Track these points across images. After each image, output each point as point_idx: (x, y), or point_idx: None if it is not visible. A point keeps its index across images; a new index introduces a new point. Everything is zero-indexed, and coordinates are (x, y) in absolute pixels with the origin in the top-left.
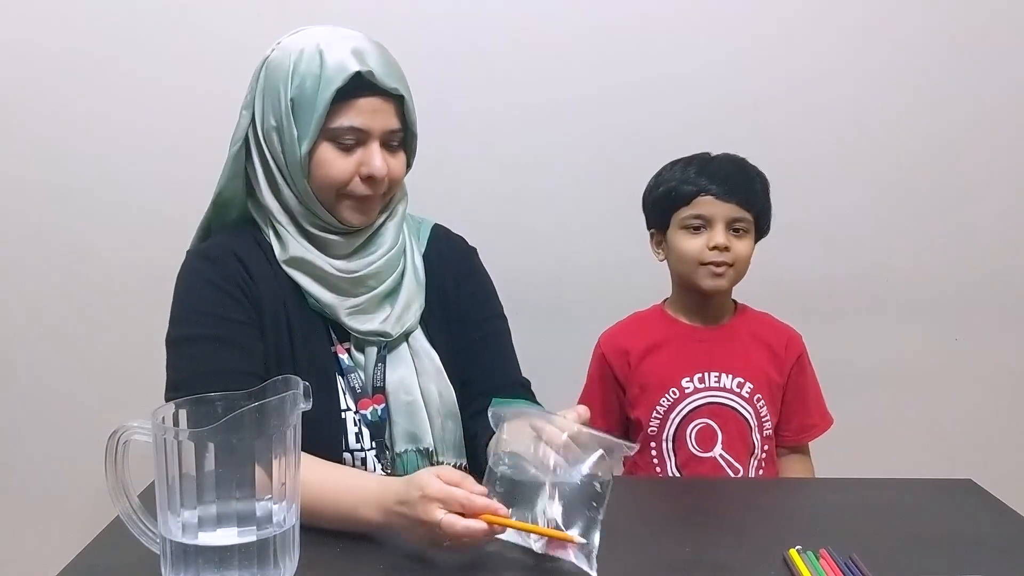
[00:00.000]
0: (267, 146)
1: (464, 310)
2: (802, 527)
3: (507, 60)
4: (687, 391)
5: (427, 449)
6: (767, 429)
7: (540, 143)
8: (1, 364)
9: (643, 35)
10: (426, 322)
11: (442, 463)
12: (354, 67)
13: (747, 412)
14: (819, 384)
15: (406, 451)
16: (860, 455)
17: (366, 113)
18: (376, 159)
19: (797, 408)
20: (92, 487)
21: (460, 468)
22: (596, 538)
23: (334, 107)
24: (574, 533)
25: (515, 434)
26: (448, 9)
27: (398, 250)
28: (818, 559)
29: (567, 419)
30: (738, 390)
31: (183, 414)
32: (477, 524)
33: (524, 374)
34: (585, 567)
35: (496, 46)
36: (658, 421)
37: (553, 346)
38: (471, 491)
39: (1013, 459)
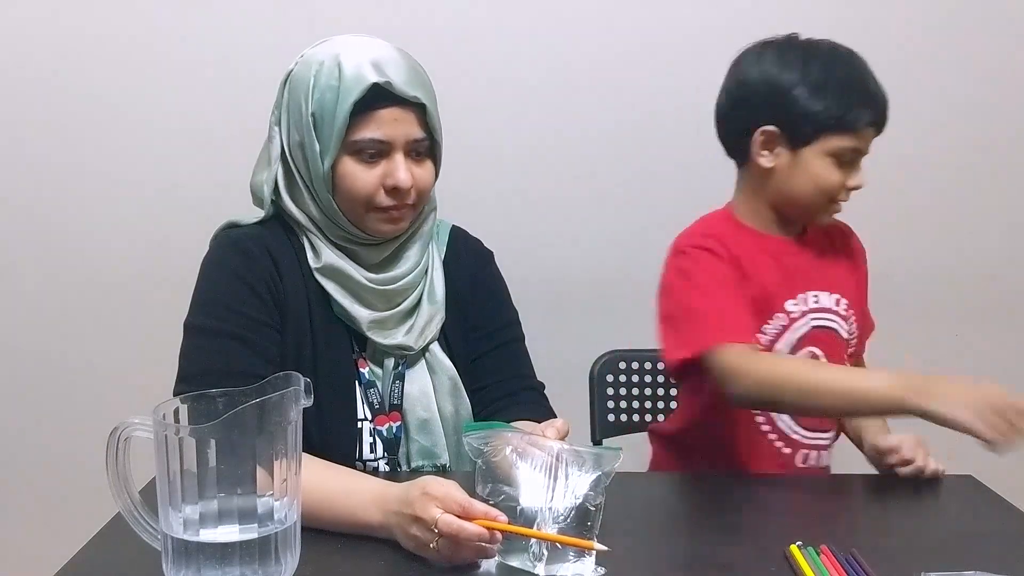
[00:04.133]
0: (293, 161)
1: (479, 318)
2: (803, 523)
3: (509, 61)
4: (793, 315)
5: (444, 466)
6: (852, 346)
7: (542, 143)
8: (1, 362)
9: (646, 36)
10: (445, 332)
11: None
12: (372, 78)
13: (845, 331)
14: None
15: (422, 467)
16: (860, 451)
17: (387, 124)
18: (400, 170)
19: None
20: (93, 484)
21: None
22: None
23: (354, 120)
24: (571, 555)
25: (499, 465)
26: (453, 10)
27: (421, 269)
28: (819, 555)
29: (548, 437)
30: (836, 307)
31: (184, 410)
32: (472, 526)
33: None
34: None
35: (499, 47)
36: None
37: (553, 347)
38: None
39: (1013, 455)
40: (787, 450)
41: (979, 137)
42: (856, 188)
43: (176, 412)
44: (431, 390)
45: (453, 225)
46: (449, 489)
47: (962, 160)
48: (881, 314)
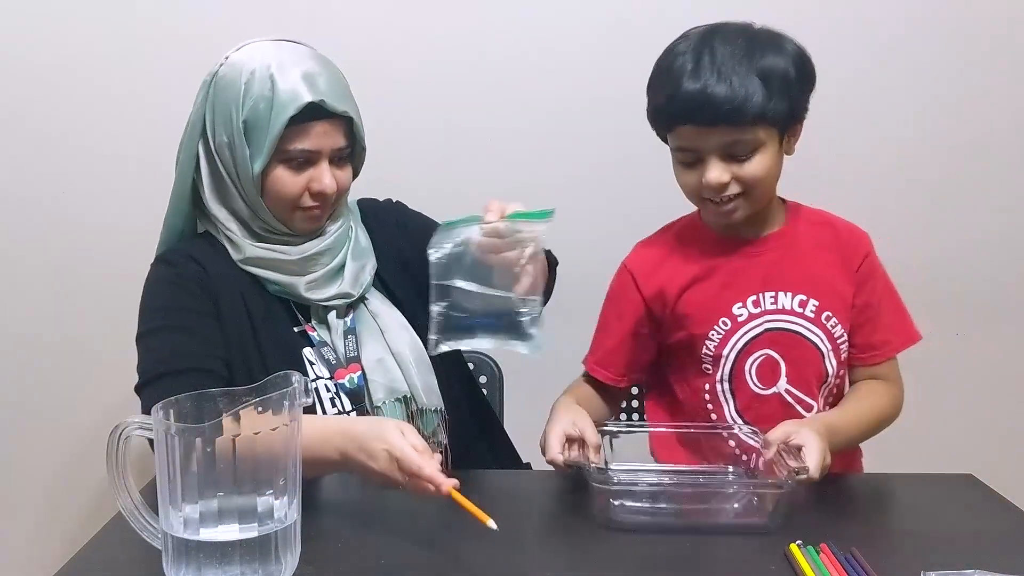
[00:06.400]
0: (219, 158)
1: (419, 249)
2: (803, 522)
3: (508, 59)
4: (740, 319)
5: (405, 396)
6: (844, 352)
7: (541, 141)
8: (1, 362)
9: (644, 31)
10: (385, 280)
11: (423, 410)
12: (306, 97)
13: (816, 336)
14: (896, 293)
15: (384, 403)
16: (861, 450)
17: (317, 136)
18: (326, 177)
19: (862, 321)
20: (93, 483)
21: (438, 412)
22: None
23: (287, 131)
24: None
25: (450, 261)
26: (449, 11)
27: (344, 230)
28: (819, 554)
29: (491, 214)
30: (800, 310)
31: (185, 410)
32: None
33: (526, 371)
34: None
35: (498, 47)
36: (709, 358)
37: (553, 346)
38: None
39: (1014, 454)
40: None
41: (980, 135)
42: (715, 186)
43: (177, 411)
44: (379, 332)
45: (358, 199)
46: (408, 453)
47: (963, 159)
48: None
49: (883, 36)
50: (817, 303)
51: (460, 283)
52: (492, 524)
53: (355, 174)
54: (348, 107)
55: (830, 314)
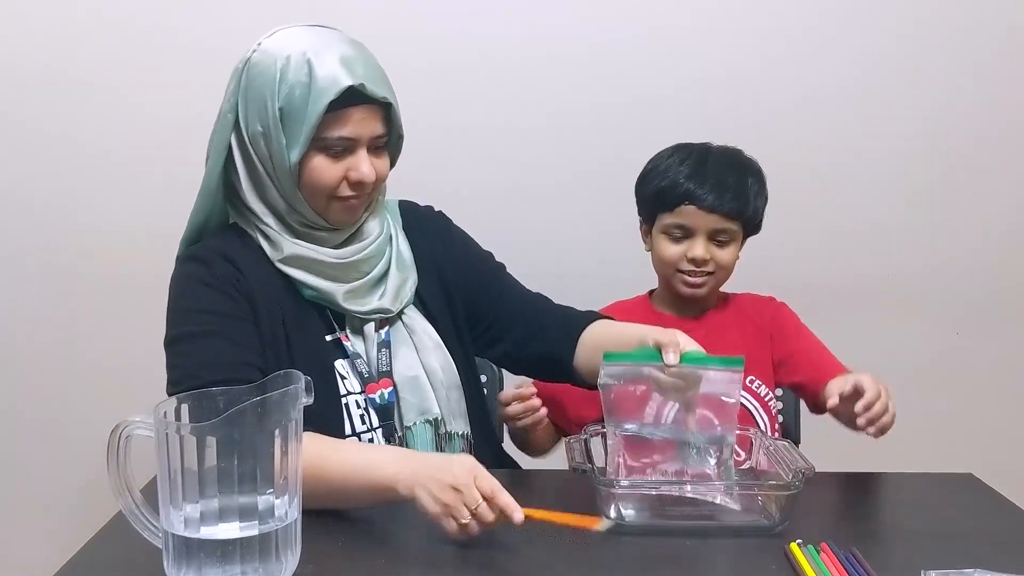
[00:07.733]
0: (253, 149)
1: (466, 273)
2: (803, 522)
3: (509, 61)
4: None
5: (435, 419)
6: (775, 407)
7: (541, 142)
8: (1, 362)
9: (643, 34)
10: (423, 296)
11: (451, 433)
12: (346, 81)
13: (747, 400)
14: (821, 343)
15: (415, 423)
16: (861, 449)
17: (355, 123)
18: (364, 165)
19: (797, 366)
20: (93, 483)
21: (465, 436)
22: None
23: (325, 118)
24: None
25: (623, 399)
26: (454, 13)
27: (384, 237)
28: (819, 553)
29: (672, 356)
30: None
31: (185, 409)
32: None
33: None
34: (730, 504)
35: (500, 49)
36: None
37: None
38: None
39: (1013, 453)
40: None
41: (979, 134)
42: (695, 260)
43: (177, 410)
44: (414, 350)
45: (399, 200)
46: (487, 472)
47: (963, 159)
48: (883, 314)
49: (884, 37)
50: (753, 377)
51: (632, 425)
52: (602, 525)
53: (392, 163)
54: (387, 92)
55: (754, 377)
